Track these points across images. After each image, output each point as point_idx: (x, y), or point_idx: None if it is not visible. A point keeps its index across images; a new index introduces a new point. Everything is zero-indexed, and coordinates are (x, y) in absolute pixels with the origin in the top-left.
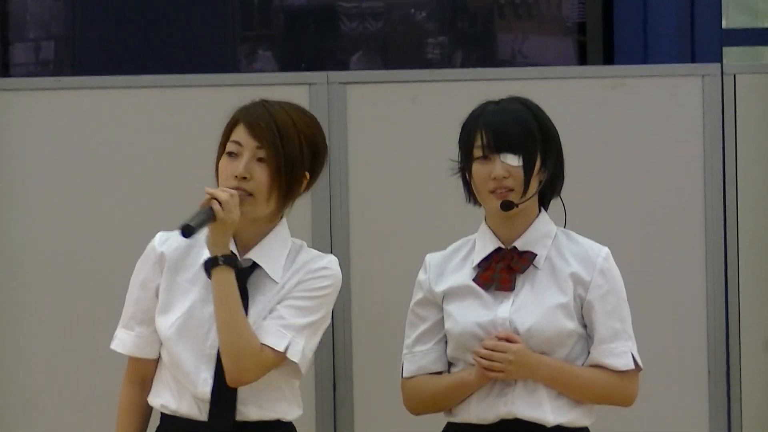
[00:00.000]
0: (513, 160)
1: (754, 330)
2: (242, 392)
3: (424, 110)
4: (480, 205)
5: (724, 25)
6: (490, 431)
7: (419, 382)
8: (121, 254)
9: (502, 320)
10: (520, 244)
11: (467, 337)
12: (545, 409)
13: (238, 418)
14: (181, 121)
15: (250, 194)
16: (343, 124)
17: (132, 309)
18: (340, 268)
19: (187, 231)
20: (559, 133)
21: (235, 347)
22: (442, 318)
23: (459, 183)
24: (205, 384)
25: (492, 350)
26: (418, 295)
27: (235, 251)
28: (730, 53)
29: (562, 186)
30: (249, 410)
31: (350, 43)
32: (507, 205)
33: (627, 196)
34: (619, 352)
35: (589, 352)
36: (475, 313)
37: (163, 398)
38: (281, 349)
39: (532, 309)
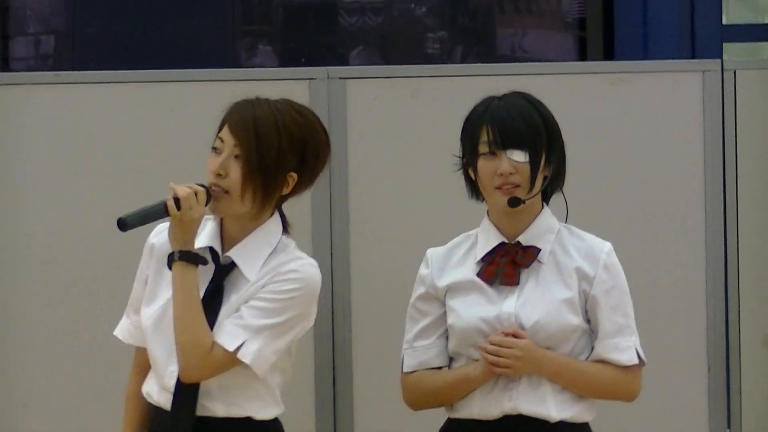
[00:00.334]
0: (520, 156)
1: (753, 325)
2: (209, 388)
3: (424, 105)
4: (482, 200)
5: (724, 20)
6: (493, 427)
7: (420, 377)
8: (120, 250)
9: (507, 315)
10: (524, 239)
11: (471, 332)
12: (549, 405)
13: (204, 413)
14: (180, 115)
15: (226, 191)
16: (343, 119)
17: (131, 298)
18: (345, 262)
19: (121, 224)
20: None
21: (184, 344)
22: (444, 313)
23: (459, 178)
24: (170, 377)
25: (499, 346)
26: (419, 290)
27: (219, 248)
28: (730, 49)
29: (564, 181)
30: (215, 406)
31: (350, 38)
32: (514, 202)
33: (627, 192)
34: (623, 347)
35: (592, 348)
36: (480, 309)
37: (148, 386)
38: (231, 348)
39: (537, 304)
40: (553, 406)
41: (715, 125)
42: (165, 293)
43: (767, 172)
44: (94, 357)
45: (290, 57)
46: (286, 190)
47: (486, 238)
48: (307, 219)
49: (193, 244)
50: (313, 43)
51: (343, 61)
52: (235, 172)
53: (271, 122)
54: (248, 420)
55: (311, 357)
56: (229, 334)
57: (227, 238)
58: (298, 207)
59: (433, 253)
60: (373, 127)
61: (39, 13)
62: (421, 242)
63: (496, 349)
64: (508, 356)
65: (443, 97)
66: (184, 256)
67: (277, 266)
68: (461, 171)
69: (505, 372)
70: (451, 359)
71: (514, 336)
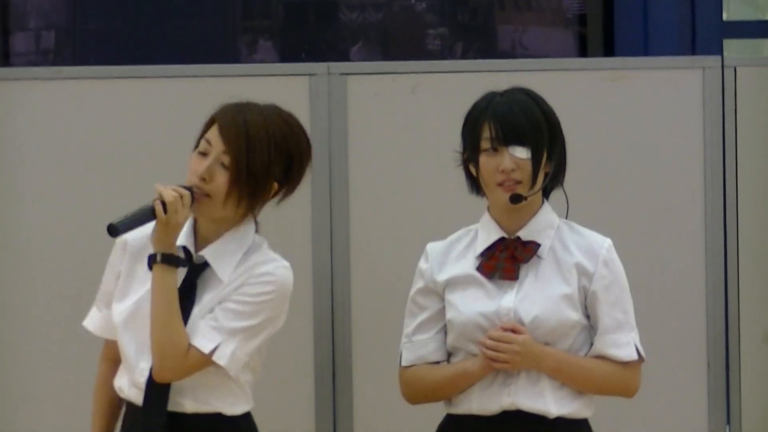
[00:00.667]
0: (522, 153)
1: (753, 322)
2: (179, 384)
3: (425, 101)
4: (483, 196)
5: (724, 17)
6: (491, 422)
7: (418, 371)
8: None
9: (506, 310)
10: (524, 234)
11: (470, 327)
12: (548, 400)
13: (174, 408)
14: (181, 111)
15: (208, 195)
16: (344, 114)
17: (101, 291)
18: (346, 259)
19: (112, 230)
20: None
21: (161, 345)
22: (443, 307)
23: (460, 174)
24: (141, 374)
25: (498, 341)
26: (418, 284)
27: (193, 247)
28: (730, 45)
29: (564, 177)
30: (185, 402)
31: (351, 33)
32: (516, 199)
33: (627, 189)
34: (623, 342)
35: (591, 343)
36: (479, 303)
37: (120, 381)
38: (207, 351)
39: (536, 299)
40: (551, 402)
41: (715, 122)
42: (138, 290)
43: (767, 169)
44: (93, 355)
45: (291, 52)
46: (266, 197)
47: (486, 233)
48: (308, 216)
49: (175, 247)
50: (314, 38)
51: (344, 57)
52: (220, 178)
53: (262, 133)
54: (219, 416)
55: (311, 356)
56: (204, 336)
57: (201, 237)
58: (298, 204)
59: (433, 247)
60: (374, 122)
61: (39, 9)
62: (420, 238)
63: (494, 344)
64: (506, 351)
65: (444, 92)
66: (166, 259)
67: (250, 267)
68: (462, 167)
69: (503, 367)
70: (449, 354)
71: (513, 331)
